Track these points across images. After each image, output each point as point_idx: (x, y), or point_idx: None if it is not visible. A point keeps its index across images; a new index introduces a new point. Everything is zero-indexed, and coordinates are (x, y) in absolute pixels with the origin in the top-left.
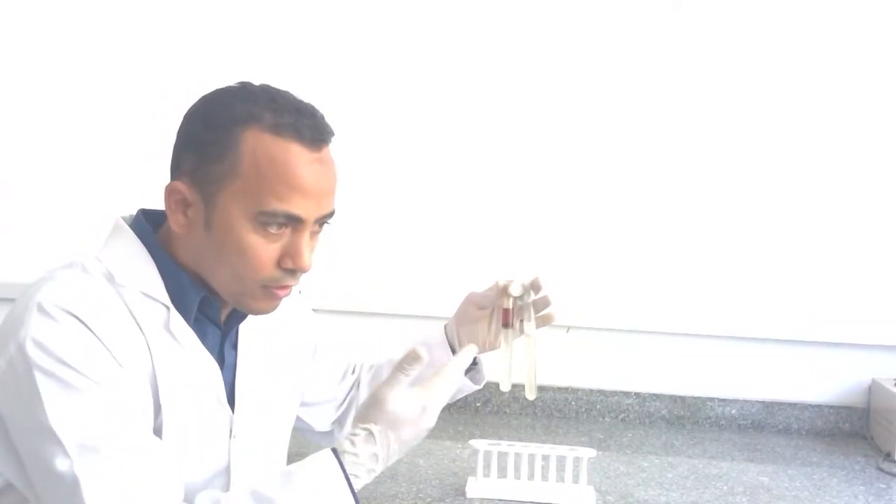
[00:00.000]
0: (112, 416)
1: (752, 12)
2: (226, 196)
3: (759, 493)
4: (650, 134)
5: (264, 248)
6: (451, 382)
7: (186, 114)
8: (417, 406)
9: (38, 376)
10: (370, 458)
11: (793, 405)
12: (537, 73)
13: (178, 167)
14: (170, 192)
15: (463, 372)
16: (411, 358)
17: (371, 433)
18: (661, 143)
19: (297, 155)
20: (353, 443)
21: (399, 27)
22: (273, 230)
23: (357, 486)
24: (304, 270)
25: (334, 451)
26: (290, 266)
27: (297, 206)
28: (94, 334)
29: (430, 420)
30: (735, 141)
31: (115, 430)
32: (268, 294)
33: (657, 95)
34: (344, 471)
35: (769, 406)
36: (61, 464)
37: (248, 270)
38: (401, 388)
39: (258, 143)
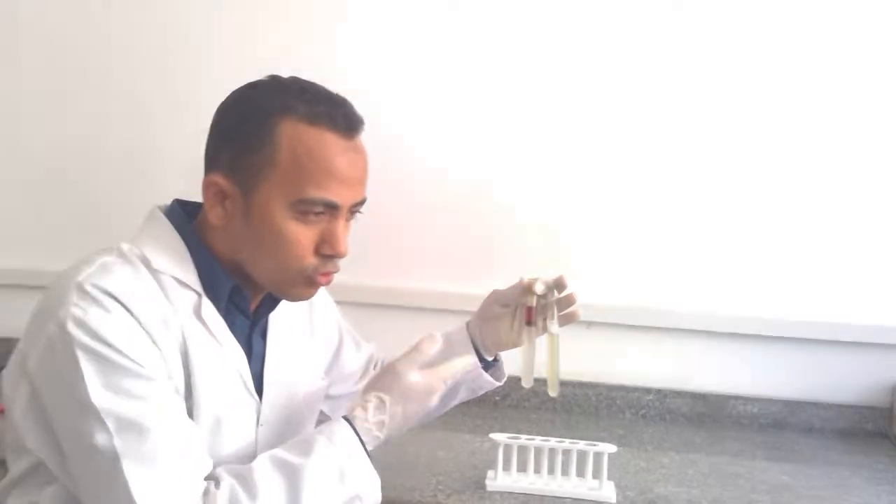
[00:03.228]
0: (150, 394)
1: (752, 12)
2: (264, 187)
3: (780, 491)
4: (669, 131)
5: (304, 236)
6: (453, 374)
7: (219, 108)
8: (425, 385)
9: (80, 353)
10: (377, 424)
11: (815, 404)
12: (537, 74)
13: (214, 160)
14: (207, 185)
15: (464, 371)
16: (428, 340)
17: (382, 401)
18: (680, 140)
19: (332, 143)
20: (364, 408)
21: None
22: (311, 218)
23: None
24: (341, 255)
25: (346, 418)
26: (328, 252)
27: (334, 193)
28: (133, 315)
29: (433, 401)
30: (751, 137)
31: (153, 406)
32: (308, 282)
33: (661, 95)
34: (359, 435)
35: (791, 405)
36: (102, 439)
37: (289, 259)
38: (415, 365)
39: (294, 133)
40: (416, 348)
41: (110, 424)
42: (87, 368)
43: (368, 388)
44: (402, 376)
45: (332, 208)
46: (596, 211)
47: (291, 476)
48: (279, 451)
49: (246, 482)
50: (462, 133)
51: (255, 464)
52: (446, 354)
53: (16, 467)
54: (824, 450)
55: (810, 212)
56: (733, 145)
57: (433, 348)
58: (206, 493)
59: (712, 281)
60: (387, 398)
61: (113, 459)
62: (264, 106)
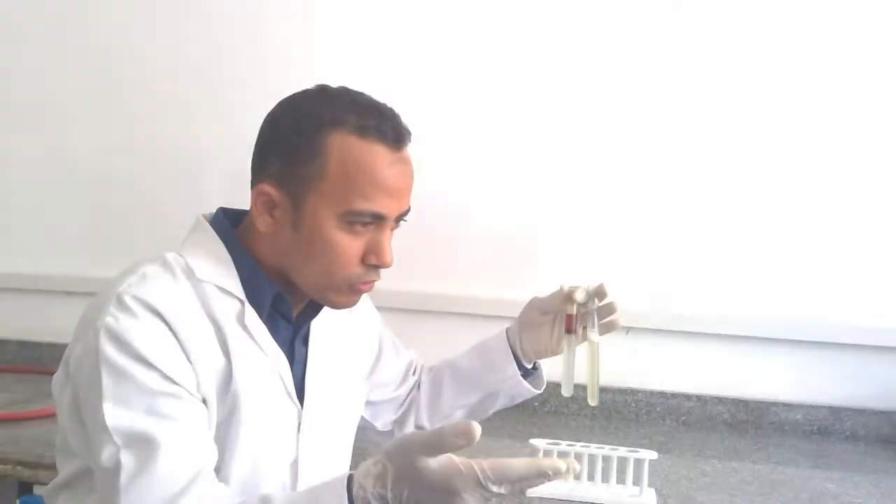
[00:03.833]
0: (167, 410)
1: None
2: (313, 197)
3: (825, 499)
4: (700, 137)
5: (351, 246)
6: (505, 476)
7: (267, 118)
8: (446, 484)
9: (103, 366)
10: (377, 498)
11: (860, 411)
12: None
13: (262, 169)
14: (257, 193)
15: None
16: (463, 433)
17: (385, 470)
18: (714, 147)
19: (381, 156)
20: (366, 473)
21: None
22: (358, 228)
23: None
24: (386, 266)
25: (350, 478)
26: (373, 262)
27: (381, 205)
28: (168, 326)
29: (463, 497)
30: (786, 141)
31: (167, 424)
32: (352, 290)
33: (685, 97)
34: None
35: (835, 412)
36: (107, 453)
37: (335, 268)
38: (433, 450)
39: (344, 145)
40: (443, 433)
41: (118, 440)
42: (107, 382)
43: (385, 448)
44: (413, 456)
45: (379, 219)
46: (636, 217)
47: None
48: (274, 494)
49: None
50: (502, 139)
51: (247, 499)
52: (485, 363)
53: (64, 470)
54: (870, 457)
55: (853, 215)
56: (767, 151)
57: (465, 444)
58: None
59: (754, 285)
60: (390, 470)
61: (115, 471)
62: (315, 117)
